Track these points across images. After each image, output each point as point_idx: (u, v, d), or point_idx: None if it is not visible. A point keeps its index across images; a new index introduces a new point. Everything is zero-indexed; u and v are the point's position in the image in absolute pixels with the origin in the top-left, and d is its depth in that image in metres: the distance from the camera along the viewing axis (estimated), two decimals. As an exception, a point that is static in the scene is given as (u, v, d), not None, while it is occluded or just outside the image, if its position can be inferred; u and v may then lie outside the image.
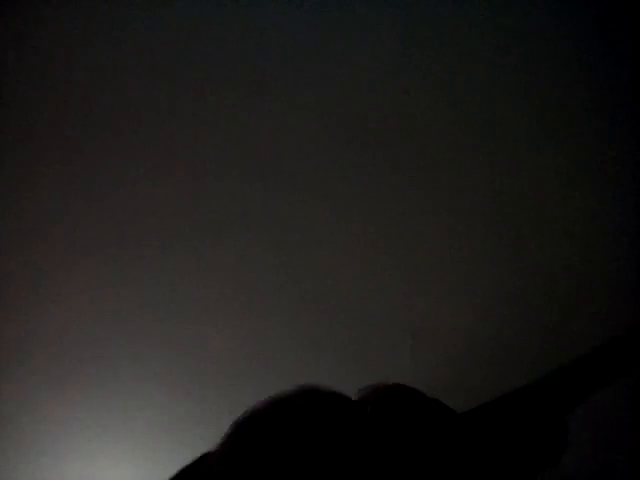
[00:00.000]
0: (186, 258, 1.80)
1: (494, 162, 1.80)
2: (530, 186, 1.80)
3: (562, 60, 1.79)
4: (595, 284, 1.78)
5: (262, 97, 1.78)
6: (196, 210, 1.80)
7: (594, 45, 1.78)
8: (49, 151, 1.78)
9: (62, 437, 1.81)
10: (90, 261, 1.79)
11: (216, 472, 0.54)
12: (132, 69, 1.78)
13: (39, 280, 1.79)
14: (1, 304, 1.79)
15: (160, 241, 1.80)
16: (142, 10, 1.77)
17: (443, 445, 0.53)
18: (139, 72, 1.78)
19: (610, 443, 1.77)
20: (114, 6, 1.76)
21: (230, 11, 1.77)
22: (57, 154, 1.78)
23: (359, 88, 1.79)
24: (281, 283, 1.81)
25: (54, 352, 1.79)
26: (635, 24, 1.76)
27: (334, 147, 1.79)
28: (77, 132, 1.78)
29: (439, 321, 1.80)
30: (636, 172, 1.78)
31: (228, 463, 0.53)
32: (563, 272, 1.79)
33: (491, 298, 1.80)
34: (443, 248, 1.80)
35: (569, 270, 1.79)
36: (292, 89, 1.79)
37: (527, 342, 1.77)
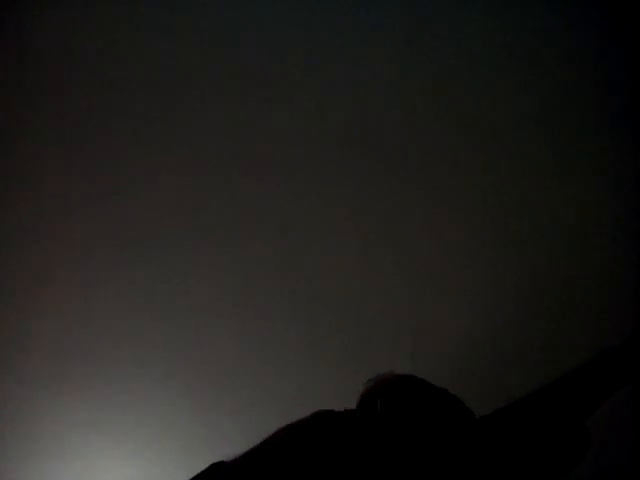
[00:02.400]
0: (186, 258, 1.80)
1: (494, 162, 1.80)
2: (530, 186, 1.80)
3: (562, 60, 1.79)
4: (595, 284, 1.78)
5: (262, 97, 1.78)
6: (196, 210, 1.80)
7: (594, 45, 1.78)
8: (49, 152, 1.78)
9: (62, 437, 1.81)
10: (90, 261, 1.79)
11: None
12: (132, 69, 1.78)
13: (39, 280, 1.79)
14: (1, 304, 1.79)
15: (160, 241, 1.80)
16: (142, 10, 1.77)
17: (459, 442, 0.53)
18: (139, 72, 1.78)
19: (610, 443, 1.77)
20: (114, 6, 1.76)
21: (230, 11, 1.77)
22: (57, 154, 1.78)
23: (359, 88, 1.79)
24: (281, 283, 1.81)
25: (54, 352, 1.79)
26: (635, 24, 1.76)
27: (335, 147, 1.79)
28: (77, 132, 1.78)
29: (439, 321, 1.80)
30: (636, 172, 1.78)
31: (247, 473, 0.53)
32: (563, 272, 1.79)
33: (491, 298, 1.80)
34: (443, 248, 1.80)
35: (569, 270, 1.79)
36: (292, 89, 1.79)
37: (527, 342, 1.77)
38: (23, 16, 1.75)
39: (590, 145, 1.79)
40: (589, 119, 1.79)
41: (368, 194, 1.80)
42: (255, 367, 1.81)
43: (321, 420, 0.57)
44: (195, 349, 1.80)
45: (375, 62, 1.79)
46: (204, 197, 1.79)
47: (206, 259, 1.80)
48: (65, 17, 1.76)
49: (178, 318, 1.80)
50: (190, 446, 1.73)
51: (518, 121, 1.80)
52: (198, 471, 0.60)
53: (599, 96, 1.78)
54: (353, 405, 0.64)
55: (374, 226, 1.80)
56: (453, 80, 1.79)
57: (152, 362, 1.80)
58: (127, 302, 1.79)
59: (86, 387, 1.80)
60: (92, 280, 1.79)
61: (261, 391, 1.77)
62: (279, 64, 1.78)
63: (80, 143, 1.77)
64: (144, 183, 1.78)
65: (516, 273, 1.80)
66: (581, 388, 0.65)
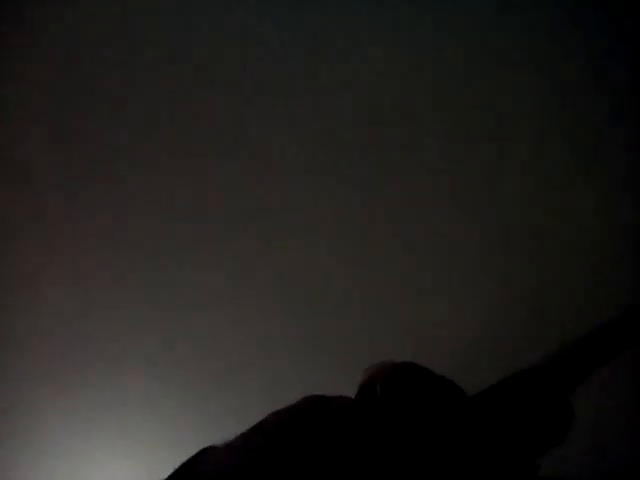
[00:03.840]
0: (186, 258, 1.80)
1: (494, 162, 1.80)
2: (530, 187, 1.80)
3: (562, 60, 1.79)
4: (596, 284, 1.78)
5: (262, 97, 1.78)
6: (196, 212, 1.80)
7: (594, 45, 1.78)
8: (48, 149, 1.78)
9: (62, 437, 1.81)
10: (90, 260, 1.79)
11: (225, 466, 0.53)
12: (131, 68, 1.78)
13: (39, 279, 1.79)
14: (1, 304, 1.79)
15: (160, 241, 1.80)
16: (142, 9, 1.77)
17: (456, 425, 0.53)
18: (139, 71, 1.78)
19: (609, 440, 1.77)
20: (114, 4, 1.76)
21: (230, 11, 1.77)
22: (56, 152, 1.78)
23: (359, 88, 1.79)
24: (281, 283, 1.81)
25: (54, 352, 1.79)
26: (635, 24, 1.76)
27: (334, 147, 1.79)
28: (77, 130, 1.78)
29: (439, 321, 1.80)
30: (637, 172, 1.78)
31: (239, 457, 0.53)
32: (564, 272, 1.80)
33: (492, 299, 1.80)
34: (444, 248, 1.80)
35: (570, 270, 1.79)
36: (292, 89, 1.79)
37: (528, 343, 1.77)
38: (23, 12, 1.75)
39: (590, 145, 1.79)
40: (589, 119, 1.79)
41: (368, 194, 1.80)
42: (256, 367, 1.81)
43: (313, 404, 0.57)
44: (196, 349, 1.80)
45: (375, 62, 1.79)
46: (204, 196, 1.79)
47: (206, 259, 1.80)
48: (65, 17, 1.76)
49: (178, 317, 1.80)
50: (190, 446, 1.73)
51: (518, 121, 1.80)
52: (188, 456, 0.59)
53: (599, 96, 1.78)
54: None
55: (374, 226, 1.81)
56: (453, 80, 1.79)
57: (152, 361, 1.80)
58: (127, 301, 1.79)
59: (86, 386, 1.80)
60: (92, 280, 1.79)
61: (263, 390, 1.77)
62: (279, 64, 1.78)
63: (80, 141, 1.77)
64: (143, 182, 1.78)
65: (516, 273, 1.80)
66: (564, 364, 0.65)
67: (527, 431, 0.57)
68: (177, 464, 0.58)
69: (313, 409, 0.54)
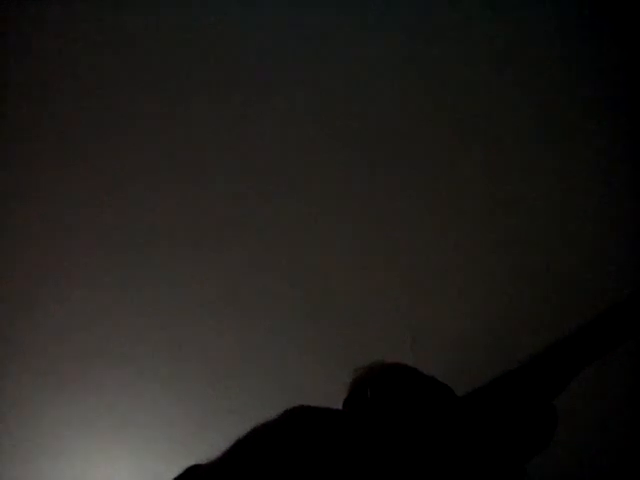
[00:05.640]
0: (186, 260, 1.80)
1: (494, 163, 1.80)
2: (530, 186, 1.80)
3: (562, 60, 1.79)
4: (595, 284, 1.78)
5: (262, 98, 1.78)
6: (197, 212, 1.80)
7: (594, 45, 1.78)
8: (50, 152, 1.78)
9: (62, 437, 1.82)
10: (90, 262, 1.79)
11: None
12: (133, 70, 1.78)
13: (39, 280, 1.79)
14: (1, 304, 1.79)
15: (161, 243, 1.80)
16: (143, 10, 1.77)
17: (443, 427, 0.53)
18: (140, 73, 1.78)
19: (610, 440, 1.77)
20: (116, 6, 1.76)
21: (230, 11, 1.77)
22: (58, 155, 1.78)
23: (359, 88, 1.79)
24: (281, 284, 1.81)
25: (54, 352, 1.79)
26: (635, 24, 1.76)
27: (335, 149, 1.79)
28: (79, 133, 1.78)
29: (439, 321, 1.80)
30: (636, 172, 1.78)
31: (222, 475, 0.53)
32: (563, 272, 1.80)
33: (491, 298, 1.80)
34: (443, 249, 1.80)
35: (569, 270, 1.79)
36: (292, 90, 1.79)
37: (527, 342, 1.77)
38: (24, 16, 1.75)
39: (590, 145, 1.79)
40: (589, 119, 1.79)
41: (368, 194, 1.80)
42: (255, 368, 1.81)
43: (297, 416, 0.57)
44: (195, 351, 1.80)
45: (375, 62, 1.79)
46: (205, 199, 1.79)
47: (207, 261, 1.80)
48: (66, 17, 1.76)
49: (178, 320, 1.80)
50: (189, 446, 1.74)
51: (518, 121, 1.80)
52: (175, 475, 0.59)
53: (599, 96, 1.78)
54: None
55: (374, 226, 1.81)
56: (453, 80, 1.79)
57: (152, 363, 1.80)
58: (127, 303, 1.80)
59: (86, 387, 1.80)
60: (92, 281, 1.79)
61: (261, 391, 1.77)
62: (279, 64, 1.78)
63: (82, 144, 1.77)
64: (145, 185, 1.78)
65: (516, 273, 1.80)
66: (548, 368, 0.66)
67: (512, 436, 0.57)
68: (174, 469, 0.58)
69: (298, 421, 0.54)
